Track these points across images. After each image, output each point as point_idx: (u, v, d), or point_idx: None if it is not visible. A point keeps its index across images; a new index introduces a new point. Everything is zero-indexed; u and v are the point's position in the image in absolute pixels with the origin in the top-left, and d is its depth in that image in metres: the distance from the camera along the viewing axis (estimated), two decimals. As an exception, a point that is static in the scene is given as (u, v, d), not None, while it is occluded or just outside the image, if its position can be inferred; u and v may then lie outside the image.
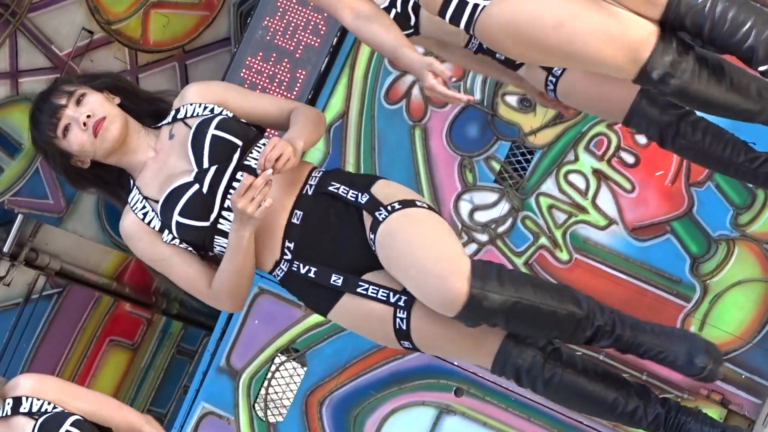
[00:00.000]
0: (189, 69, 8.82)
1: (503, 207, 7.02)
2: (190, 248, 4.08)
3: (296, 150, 3.95)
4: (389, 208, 3.98)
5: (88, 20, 8.17)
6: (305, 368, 7.02)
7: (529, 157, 7.06)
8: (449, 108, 7.17)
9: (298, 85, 7.32)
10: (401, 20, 4.65)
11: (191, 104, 4.14)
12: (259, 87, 7.38)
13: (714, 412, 6.66)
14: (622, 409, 4.11)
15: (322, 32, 7.39)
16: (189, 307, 9.42)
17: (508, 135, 7.09)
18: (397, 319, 3.95)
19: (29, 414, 3.93)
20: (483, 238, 7.02)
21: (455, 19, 4.10)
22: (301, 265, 4.04)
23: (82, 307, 8.74)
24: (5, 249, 8.05)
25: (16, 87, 7.71)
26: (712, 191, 6.89)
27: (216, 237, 4.05)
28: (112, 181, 4.23)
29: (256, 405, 7.01)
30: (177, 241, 4.06)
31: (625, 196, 6.93)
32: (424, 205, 4.04)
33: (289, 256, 4.05)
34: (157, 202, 4.06)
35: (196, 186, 4.01)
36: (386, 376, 6.90)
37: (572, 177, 6.99)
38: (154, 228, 4.06)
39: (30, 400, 3.97)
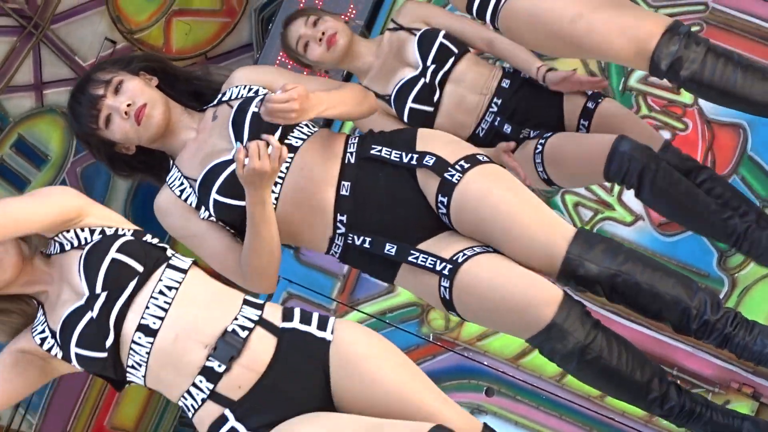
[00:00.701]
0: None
1: None
2: (228, 228, 3.97)
3: (308, 106, 3.83)
4: (458, 167, 3.91)
5: (110, 30, 8.20)
6: (335, 371, 7.05)
7: None
8: None
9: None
10: (425, 93, 4.83)
11: (236, 87, 4.05)
12: None
13: (745, 406, 6.68)
14: (653, 397, 4.03)
15: (343, 35, 7.38)
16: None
17: None
18: (442, 288, 3.88)
19: (79, 247, 3.63)
20: None
21: (481, 13, 4.28)
22: (356, 237, 3.95)
23: None
24: None
25: (41, 99, 7.72)
26: (738, 184, 6.79)
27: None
28: (156, 165, 4.14)
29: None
30: (213, 219, 3.95)
31: None
32: (486, 158, 3.98)
33: (342, 230, 3.96)
34: (195, 180, 3.96)
35: (234, 165, 3.88)
36: None
37: None
38: (190, 204, 3.96)
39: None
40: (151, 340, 3.43)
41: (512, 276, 3.86)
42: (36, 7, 7.91)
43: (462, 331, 6.99)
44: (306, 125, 4.00)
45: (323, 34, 4.75)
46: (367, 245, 3.95)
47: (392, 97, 4.83)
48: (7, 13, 7.78)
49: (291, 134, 3.93)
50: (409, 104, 4.84)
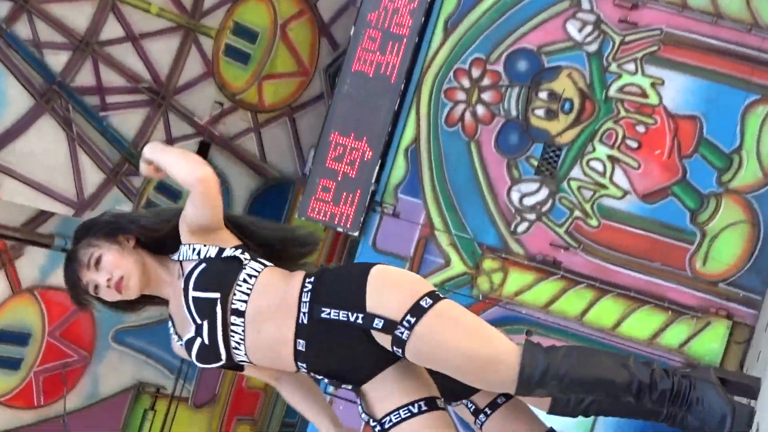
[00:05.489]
0: (297, 120, 8.82)
1: (544, 192, 7.13)
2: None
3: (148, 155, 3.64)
4: (405, 323, 3.50)
5: (218, 94, 8.26)
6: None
7: (558, 152, 7.13)
8: (494, 123, 7.20)
9: (381, 119, 7.32)
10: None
11: (183, 245, 3.74)
12: (352, 127, 7.31)
13: (722, 325, 6.69)
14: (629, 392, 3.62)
15: (392, 81, 7.33)
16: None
17: (541, 138, 7.19)
18: None
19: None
20: (531, 217, 7.14)
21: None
22: (317, 375, 3.71)
23: None
24: None
25: None
26: (699, 160, 6.92)
27: (238, 365, 3.77)
28: (160, 298, 3.87)
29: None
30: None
31: (634, 172, 7.00)
32: (427, 300, 3.53)
33: (305, 370, 3.71)
34: (182, 338, 3.75)
35: (199, 340, 3.66)
36: None
37: (593, 163, 7.10)
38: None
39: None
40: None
41: None
42: (161, 83, 7.84)
43: (503, 290, 7.07)
44: (241, 283, 3.63)
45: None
46: (325, 383, 3.74)
47: None
48: (141, 91, 7.77)
49: (231, 305, 3.61)
50: None
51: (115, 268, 3.68)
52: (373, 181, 7.34)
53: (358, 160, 7.33)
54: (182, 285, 3.64)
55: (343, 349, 3.59)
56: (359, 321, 3.53)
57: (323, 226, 7.68)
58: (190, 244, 3.67)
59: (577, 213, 7.14)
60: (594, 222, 7.12)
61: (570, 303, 7.08)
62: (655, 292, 6.93)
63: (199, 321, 3.61)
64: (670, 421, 3.71)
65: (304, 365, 3.65)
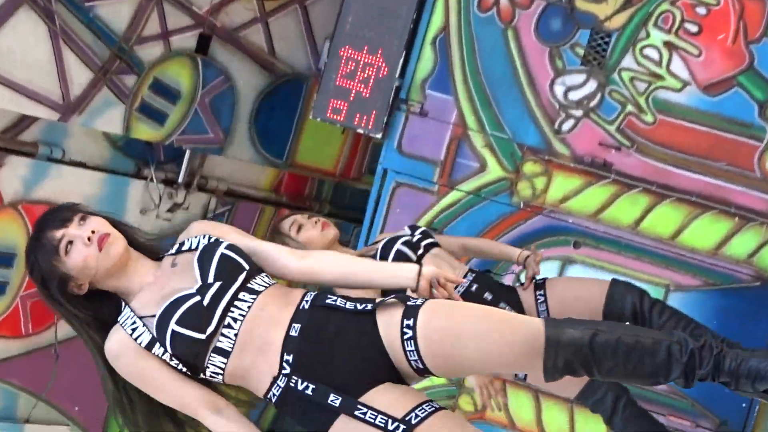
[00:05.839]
0: (308, 8, 8.64)
1: (592, 85, 6.92)
2: (181, 367, 3.49)
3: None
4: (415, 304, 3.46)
5: None
6: (445, 243, 7.04)
7: (607, 39, 6.93)
8: (534, 7, 7.05)
9: (405, 6, 7.17)
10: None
11: (196, 237, 3.65)
12: (372, 15, 7.23)
13: None
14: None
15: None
16: (339, 205, 9.44)
17: (587, 23, 6.96)
18: None
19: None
20: (578, 113, 6.96)
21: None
22: (300, 381, 3.42)
23: (250, 219, 8.76)
24: (180, 180, 8.12)
25: (168, 46, 7.65)
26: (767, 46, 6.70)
27: (211, 355, 3.47)
28: (104, 311, 3.62)
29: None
30: (168, 356, 3.46)
31: (694, 61, 6.79)
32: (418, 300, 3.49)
33: (287, 370, 3.44)
34: (153, 317, 3.49)
35: (198, 297, 3.48)
36: (514, 240, 6.85)
37: (647, 51, 6.85)
38: (140, 344, 3.48)
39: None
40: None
41: None
42: (153, -32, 7.63)
43: (547, 197, 6.97)
44: (267, 276, 3.59)
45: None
46: (309, 392, 3.41)
47: None
48: (131, -23, 7.49)
49: (253, 280, 3.51)
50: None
51: (102, 226, 3.57)
52: (396, 75, 7.22)
53: (380, 52, 7.23)
54: (204, 246, 3.57)
55: (339, 341, 3.45)
56: (368, 307, 3.46)
57: (341, 127, 7.60)
58: (205, 235, 3.66)
59: (629, 108, 6.92)
60: (649, 118, 6.89)
61: (623, 210, 6.88)
62: (719, 196, 6.74)
63: (210, 280, 3.49)
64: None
65: (290, 358, 3.43)
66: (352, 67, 7.23)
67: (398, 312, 3.44)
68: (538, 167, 7.01)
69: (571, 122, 6.99)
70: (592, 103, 6.95)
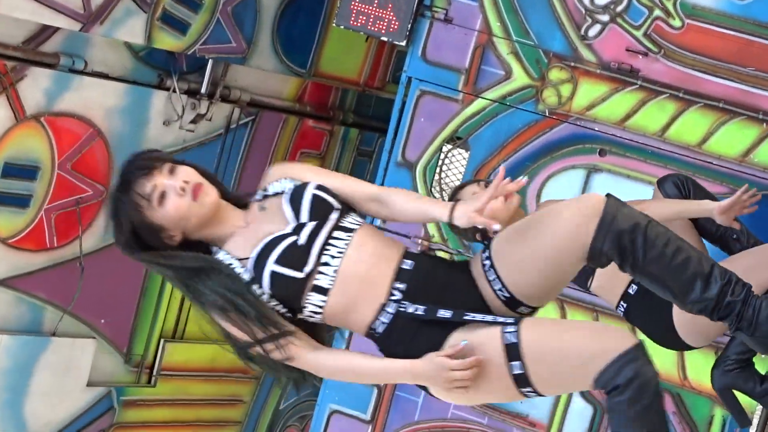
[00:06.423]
0: None
1: None
2: (279, 308, 3.51)
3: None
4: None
5: None
6: (469, 152, 7.00)
7: None
8: None
9: None
10: None
11: (278, 180, 3.65)
12: None
13: None
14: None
15: None
16: (363, 115, 9.44)
17: None
18: (506, 334, 3.39)
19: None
20: (605, 18, 6.89)
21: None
22: (409, 304, 3.49)
23: (273, 129, 8.78)
24: (203, 90, 8.09)
25: None
26: None
27: (308, 294, 3.48)
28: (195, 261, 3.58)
29: (432, 189, 7.09)
30: (267, 296, 3.47)
31: None
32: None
33: (397, 296, 3.50)
34: (248, 258, 3.49)
35: (294, 237, 3.48)
36: (539, 148, 6.87)
37: None
38: None
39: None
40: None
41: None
42: None
43: (573, 104, 6.92)
44: (358, 215, 3.61)
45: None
46: (420, 312, 3.47)
47: None
48: None
49: (345, 219, 3.54)
50: None
51: (194, 176, 3.52)
52: (421, -19, 7.23)
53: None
54: (293, 188, 3.58)
55: (447, 279, 3.54)
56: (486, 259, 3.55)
57: (365, 35, 7.45)
58: (287, 177, 3.67)
59: (657, 12, 6.83)
60: (677, 22, 6.80)
61: (650, 117, 6.82)
62: (748, 102, 6.66)
63: (305, 219, 3.52)
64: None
65: (402, 286, 3.50)
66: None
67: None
68: (563, 74, 6.95)
69: (597, 27, 6.92)
70: (619, 8, 6.85)
